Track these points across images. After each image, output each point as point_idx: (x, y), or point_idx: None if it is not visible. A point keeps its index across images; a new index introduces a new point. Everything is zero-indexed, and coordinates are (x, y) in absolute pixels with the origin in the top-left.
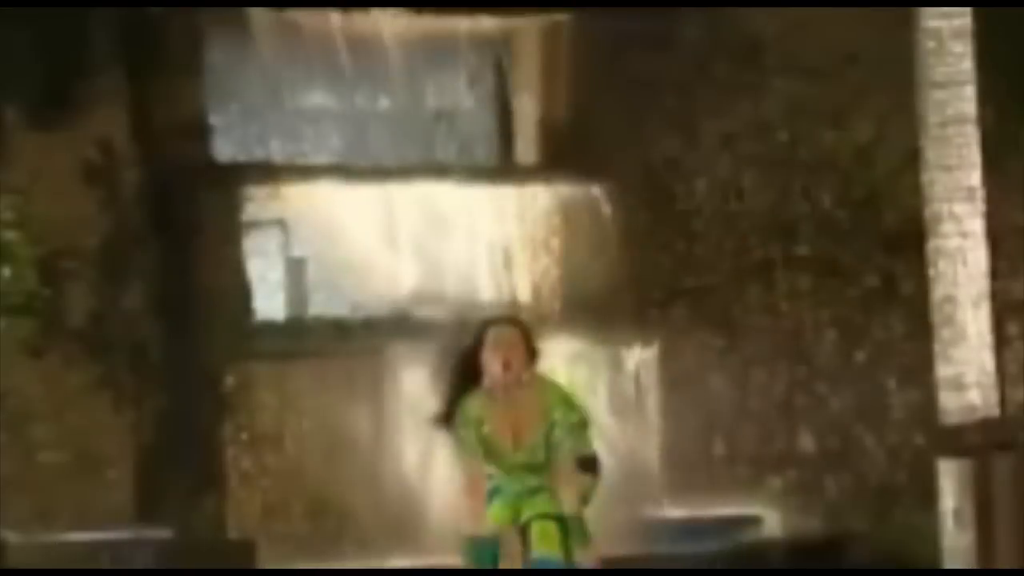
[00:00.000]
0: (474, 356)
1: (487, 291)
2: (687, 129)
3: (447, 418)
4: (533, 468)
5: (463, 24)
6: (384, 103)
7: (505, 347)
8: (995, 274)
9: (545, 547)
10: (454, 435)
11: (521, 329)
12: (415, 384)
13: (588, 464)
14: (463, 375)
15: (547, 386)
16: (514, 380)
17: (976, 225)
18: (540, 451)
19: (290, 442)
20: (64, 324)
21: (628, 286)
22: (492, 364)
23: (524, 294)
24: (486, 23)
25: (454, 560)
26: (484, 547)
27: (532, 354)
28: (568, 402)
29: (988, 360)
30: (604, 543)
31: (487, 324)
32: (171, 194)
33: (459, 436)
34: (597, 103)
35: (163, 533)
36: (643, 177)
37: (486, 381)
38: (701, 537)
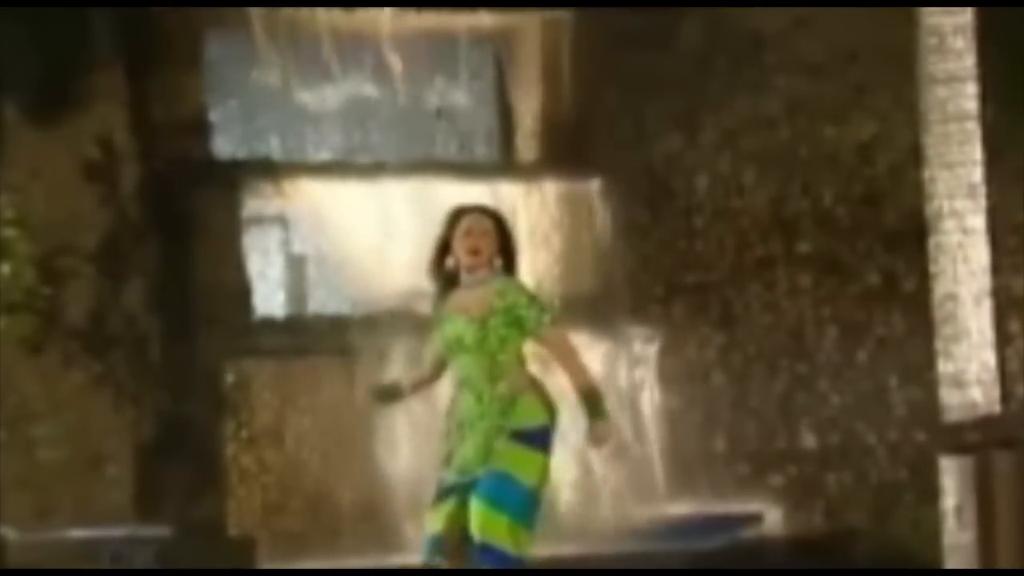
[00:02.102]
0: (447, 247)
1: None
2: (688, 126)
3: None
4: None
5: (463, 21)
6: (384, 100)
7: (477, 234)
8: (996, 271)
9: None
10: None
11: (496, 220)
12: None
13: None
14: (441, 271)
15: (509, 285)
16: (481, 266)
17: (977, 222)
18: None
19: (290, 439)
20: (63, 322)
21: (628, 283)
22: (460, 250)
23: None
24: (486, 20)
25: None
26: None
27: (507, 251)
28: (521, 296)
29: (989, 357)
30: (605, 541)
31: (460, 212)
32: (171, 191)
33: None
34: (597, 99)
35: (163, 530)
36: (643, 174)
37: (455, 267)
38: (702, 534)
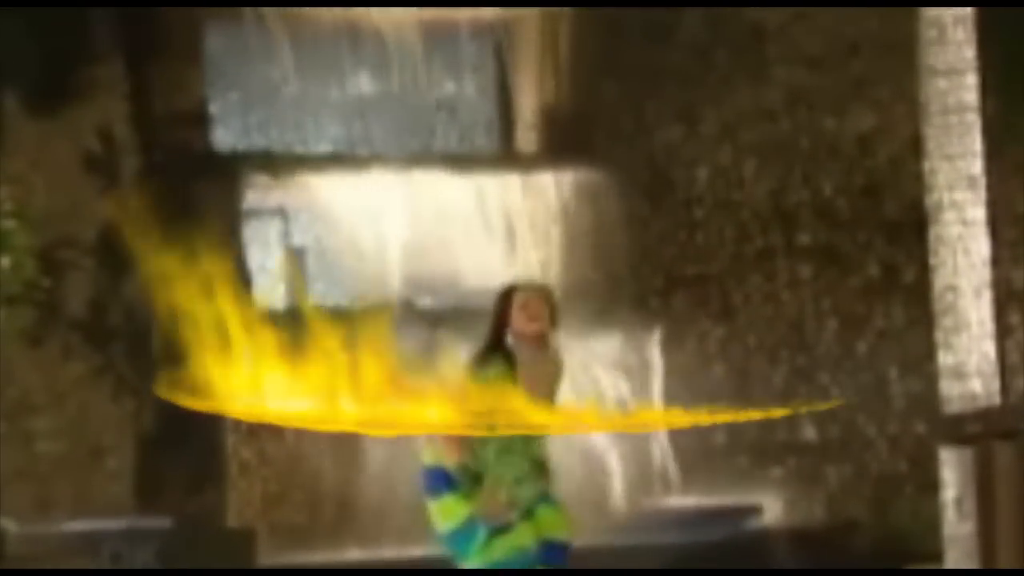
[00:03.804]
0: (502, 320)
1: (487, 279)
2: (688, 117)
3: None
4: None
5: (463, 13)
6: (385, 92)
7: (534, 307)
8: (997, 262)
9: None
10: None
11: (545, 295)
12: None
13: None
14: (495, 340)
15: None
16: (540, 335)
17: (978, 213)
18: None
19: (290, 431)
20: (63, 313)
21: (629, 274)
22: (519, 320)
23: None
24: (486, 12)
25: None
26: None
27: (554, 321)
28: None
29: (990, 349)
30: (606, 533)
31: (513, 289)
32: (171, 183)
33: (484, 378)
34: (598, 91)
35: (163, 522)
36: (644, 165)
37: (511, 337)
38: (702, 526)
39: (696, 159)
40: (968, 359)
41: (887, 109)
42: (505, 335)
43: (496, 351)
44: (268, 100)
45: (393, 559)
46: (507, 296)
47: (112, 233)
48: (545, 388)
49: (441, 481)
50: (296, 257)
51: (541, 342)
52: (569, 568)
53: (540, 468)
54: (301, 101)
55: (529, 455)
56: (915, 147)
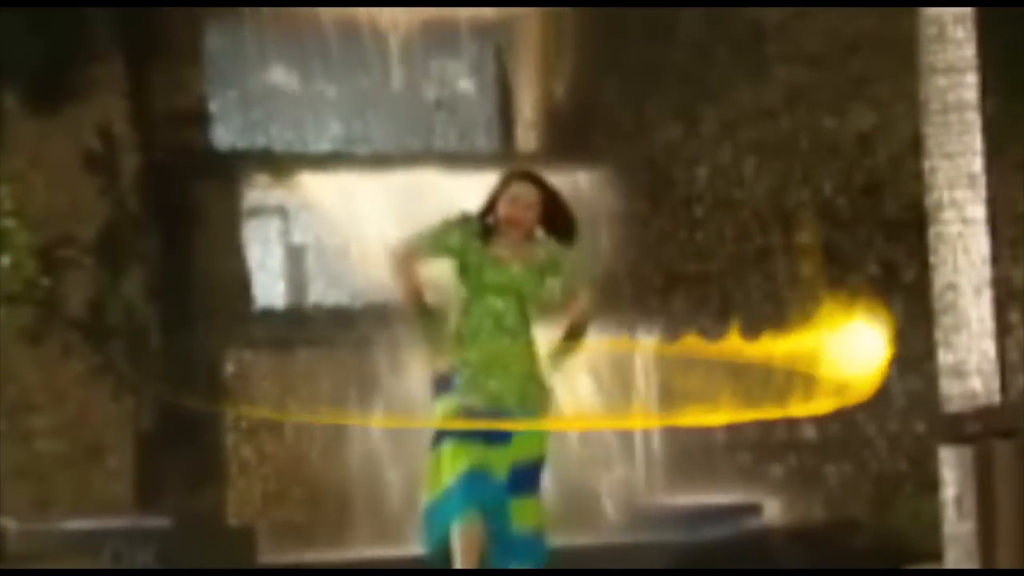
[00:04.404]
0: (492, 203)
1: None
2: (688, 116)
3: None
4: (509, 292)
5: (463, 11)
6: (384, 90)
7: (521, 206)
8: (996, 261)
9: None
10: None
11: (541, 189)
12: (415, 372)
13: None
14: (482, 223)
15: (549, 240)
16: (521, 237)
17: (978, 212)
18: (527, 281)
19: (289, 430)
20: (63, 312)
21: (629, 273)
22: (503, 209)
23: None
24: (486, 10)
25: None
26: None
27: (553, 221)
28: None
29: (989, 347)
30: (605, 531)
31: (512, 178)
32: (171, 182)
33: (441, 229)
34: (598, 90)
35: (163, 521)
36: (644, 164)
37: (496, 220)
38: (702, 525)
39: (696, 158)
40: (968, 357)
41: (887, 108)
42: (491, 216)
43: (475, 221)
44: (268, 99)
45: (393, 558)
46: (505, 183)
47: (112, 231)
48: (521, 271)
49: (444, 386)
50: None
51: (521, 236)
52: (568, 568)
53: (530, 379)
54: (301, 100)
55: (521, 365)
56: (915, 146)
